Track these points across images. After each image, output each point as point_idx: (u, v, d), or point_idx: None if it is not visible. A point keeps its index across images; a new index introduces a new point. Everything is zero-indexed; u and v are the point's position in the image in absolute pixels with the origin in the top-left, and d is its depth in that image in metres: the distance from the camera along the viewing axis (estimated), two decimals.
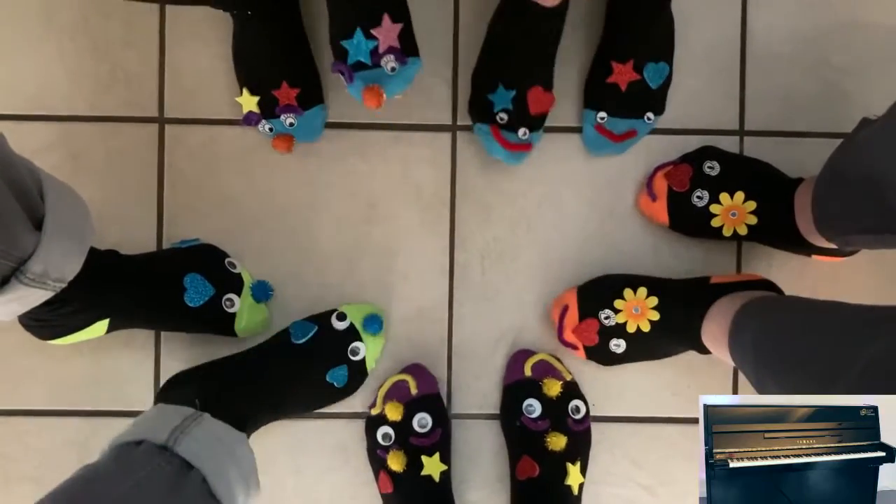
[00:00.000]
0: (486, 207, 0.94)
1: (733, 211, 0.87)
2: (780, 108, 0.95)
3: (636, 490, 0.93)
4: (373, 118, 0.93)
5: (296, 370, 0.86)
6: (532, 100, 0.87)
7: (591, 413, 0.91)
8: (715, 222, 0.88)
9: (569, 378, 0.90)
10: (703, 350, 0.86)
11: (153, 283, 0.85)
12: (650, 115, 0.92)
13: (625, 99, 0.91)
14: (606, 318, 0.88)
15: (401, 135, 0.94)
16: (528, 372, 0.89)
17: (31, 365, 0.92)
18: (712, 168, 0.89)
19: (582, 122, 0.93)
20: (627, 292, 0.88)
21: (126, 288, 0.83)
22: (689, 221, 0.90)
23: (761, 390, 0.73)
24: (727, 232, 0.88)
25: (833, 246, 0.83)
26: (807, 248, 0.86)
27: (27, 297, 0.70)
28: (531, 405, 0.88)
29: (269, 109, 0.90)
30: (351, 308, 0.90)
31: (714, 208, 0.88)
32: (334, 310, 0.89)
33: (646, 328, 0.87)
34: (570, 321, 0.89)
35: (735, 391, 0.94)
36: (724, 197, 0.87)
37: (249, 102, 0.90)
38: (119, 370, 0.92)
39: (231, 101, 0.92)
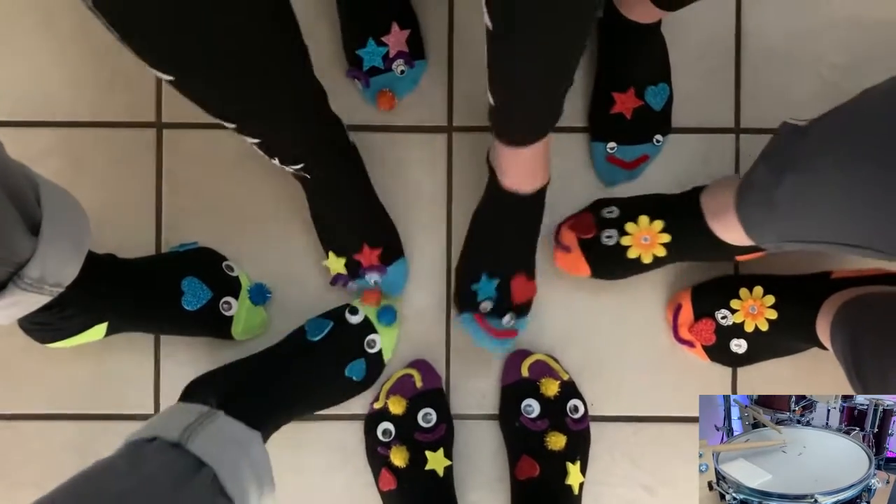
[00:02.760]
0: None
1: (644, 236, 0.85)
2: (776, 105, 0.94)
3: (636, 490, 0.93)
4: (370, 121, 0.94)
5: (314, 368, 0.86)
6: (516, 288, 0.87)
7: (590, 412, 0.91)
8: (630, 253, 0.86)
9: (566, 378, 0.90)
10: (825, 347, 0.84)
11: (151, 287, 0.85)
12: (659, 136, 0.93)
13: (631, 126, 0.91)
14: (723, 317, 0.88)
15: (397, 136, 0.94)
16: (525, 372, 0.90)
17: (32, 369, 0.92)
18: (611, 212, 0.88)
19: (592, 155, 0.94)
20: (743, 291, 0.88)
21: (124, 291, 0.83)
22: (606, 262, 0.88)
23: (857, 389, 0.72)
24: (646, 259, 0.86)
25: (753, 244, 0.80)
26: (728, 251, 0.84)
27: (25, 301, 0.70)
28: (529, 405, 0.88)
29: (354, 271, 0.90)
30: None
31: (625, 240, 0.86)
32: (347, 304, 0.90)
33: (764, 327, 0.87)
34: (684, 319, 0.90)
35: (734, 389, 0.94)
36: (629, 227, 0.86)
37: (337, 265, 0.90)
38: (119, 374, 0.92)
39: None
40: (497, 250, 0.87)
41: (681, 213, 0.84)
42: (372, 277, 0.90)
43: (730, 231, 0.80)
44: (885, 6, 0.95)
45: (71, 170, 0.93)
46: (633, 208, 0.87)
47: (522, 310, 0.89)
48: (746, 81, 0.95)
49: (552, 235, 0.91)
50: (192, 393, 0.83)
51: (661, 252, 0.86)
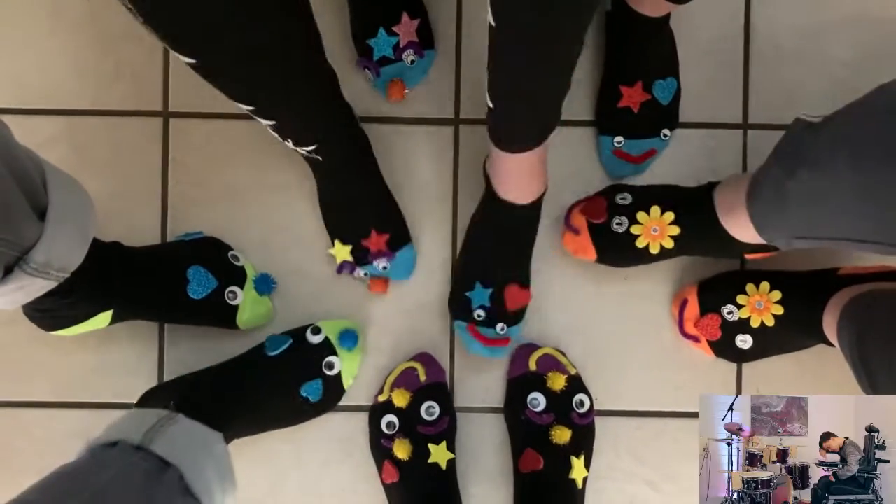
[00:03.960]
0: None
1: (654, 227, 0.85)
2: (784, 101, 0.94)
3: (639, 485, 0.93)
4: (377, 112, 0.94)
5: (269, 382, 0.86)
6: (509, 297, 0.87)
7: (595, 407, 0.91)
8: (639, 242, 0.86)
9: (573, 372, 0.90)
10: (831, 343, 0.84)
11: (156, 275, 0.85)
12: (666, 131, 0.93)
13: (639, 120, 0.91)
14: (729, 313, 0.88)
15: (404, 128, 0.94)
16: (532, 366, 0.90)
17: (36, 357, 0.92)
18: (624, 199, 0.88)
19: (599, 149, 0.94)
20: (749, 287, 0.87)
21: (129, 280, 0.83)
22: (614, 249, 0.88)
23: (864, 386, 0.72)
24: (654, 249, 0.86)
25: (764, 242, 0.80)
26: (737, 249, 0.84)
27: (30, 286, 0.70)
28: (535, 399, 0.88)
29: (361, 258, 0.90)
30: (327, 323, 0.90)
31: (635, 229, 0.86)
32: (310, 324, 0.89)
33: (770, 323, 0.87)
34: (690, 314, 0.90)
35: (739, 386, 0.94)
36: (641, 216, 0.86)
37: (342, 253, 0.90)
38: (123, 362, 0.92)
39: None
40: (490, 260, 0.88)
41: (693, 206, 0.84)
42: (380, 263, 0.90)
43: (741, 228, 0.80)
44: (892, 2, 0.95)
45: (77, 158, 0.93)
46: (646, 197, 0.87)
47: (515, 318, 0.89)
48: (755, 77, 0.95)
49: (563, 216, 0.91)
50: (148, 400, 0.84)
51: (669, 244, 0.86)
